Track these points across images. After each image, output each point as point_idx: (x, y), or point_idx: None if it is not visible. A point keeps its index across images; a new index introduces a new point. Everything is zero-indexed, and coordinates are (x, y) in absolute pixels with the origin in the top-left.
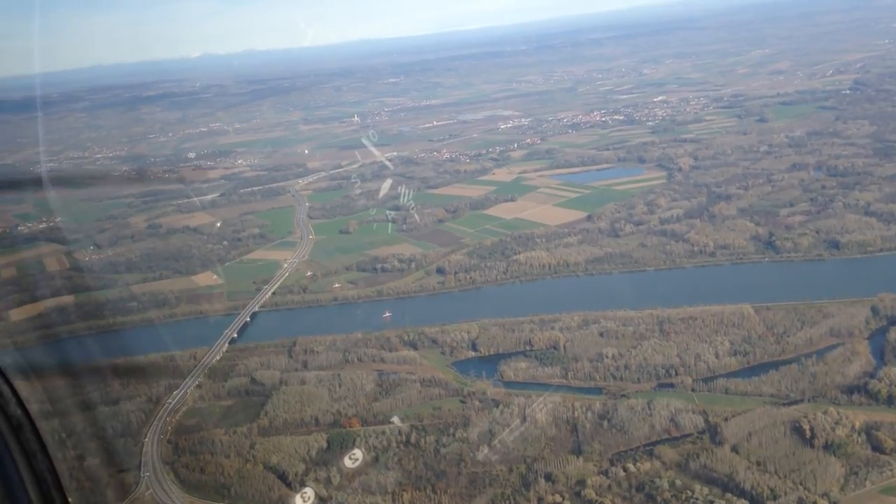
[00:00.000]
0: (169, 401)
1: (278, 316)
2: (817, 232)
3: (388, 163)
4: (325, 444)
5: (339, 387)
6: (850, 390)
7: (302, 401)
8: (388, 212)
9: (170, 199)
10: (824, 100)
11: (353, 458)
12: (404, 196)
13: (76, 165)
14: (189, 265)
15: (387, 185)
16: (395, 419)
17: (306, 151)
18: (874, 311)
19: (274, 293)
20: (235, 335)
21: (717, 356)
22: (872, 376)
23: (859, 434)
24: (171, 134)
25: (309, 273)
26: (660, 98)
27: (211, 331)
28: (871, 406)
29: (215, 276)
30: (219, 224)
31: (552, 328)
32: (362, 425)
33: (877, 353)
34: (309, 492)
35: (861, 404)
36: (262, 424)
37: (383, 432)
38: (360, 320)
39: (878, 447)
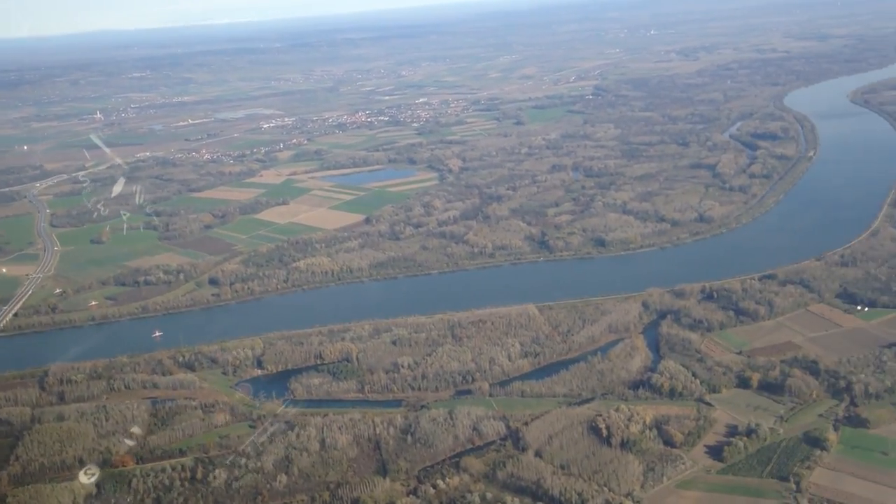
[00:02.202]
0: None
1: (24, 341)
2: (584, 231)
3: (141, 163)
4: (94, 490)
5: (107, 420)
6: (635, 385)
7: (62, 440)
8: (147, 217)
9: None
10: (571, 104)
11: None
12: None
13: None
14: None
15: (141, 188)
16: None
17: (39, 151)
18: (645, 305)
19: (16, 314)
20: None
21: (509, 359)
22: (653, 370)
23: (651, 429)
24: None
25: (58, 290)
26: (421, 100)
27: None
28: (656, 400)
29: None
30: None
31: (343, 339)
32: (137, 463)
33: (653, 346)
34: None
35: (647, 399)
36: (13, 472)
37: (163, 469)
38: (125, 341)
39: (669, 441)
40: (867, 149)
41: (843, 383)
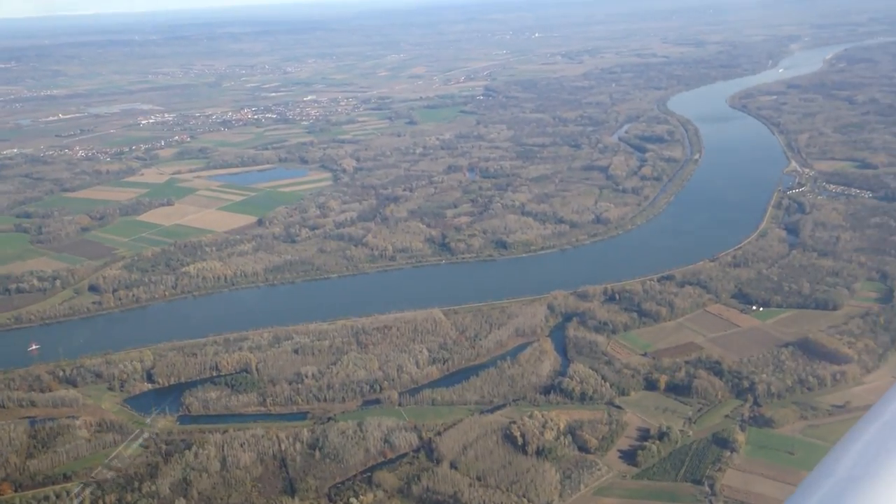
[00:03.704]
0: None
1: None
2: (484, 232)
3: (8, 161)
4: None
5: None
6: (546, 390)
7: None
8: (16, 220)
9: None
10: (463, 104)
11: None
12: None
13: None
14: None
15: (8, 187)
16: None
17: None
18: (550, 308)
19: None
20: None
21: (418, 366)
22: (563, 374)
23: (565, 435)
24: None
25: None
26: (310, 97)
27: None
28: (568, 404)
29: None
30: None
31: (240, 348)
32: (16, 491)
33: (560, 349)
34: None
35: (559, 403)
36: None
37: (46, 497)
38: None
39: (583, 447)
40: (748, 151)
41: (746, 383)
